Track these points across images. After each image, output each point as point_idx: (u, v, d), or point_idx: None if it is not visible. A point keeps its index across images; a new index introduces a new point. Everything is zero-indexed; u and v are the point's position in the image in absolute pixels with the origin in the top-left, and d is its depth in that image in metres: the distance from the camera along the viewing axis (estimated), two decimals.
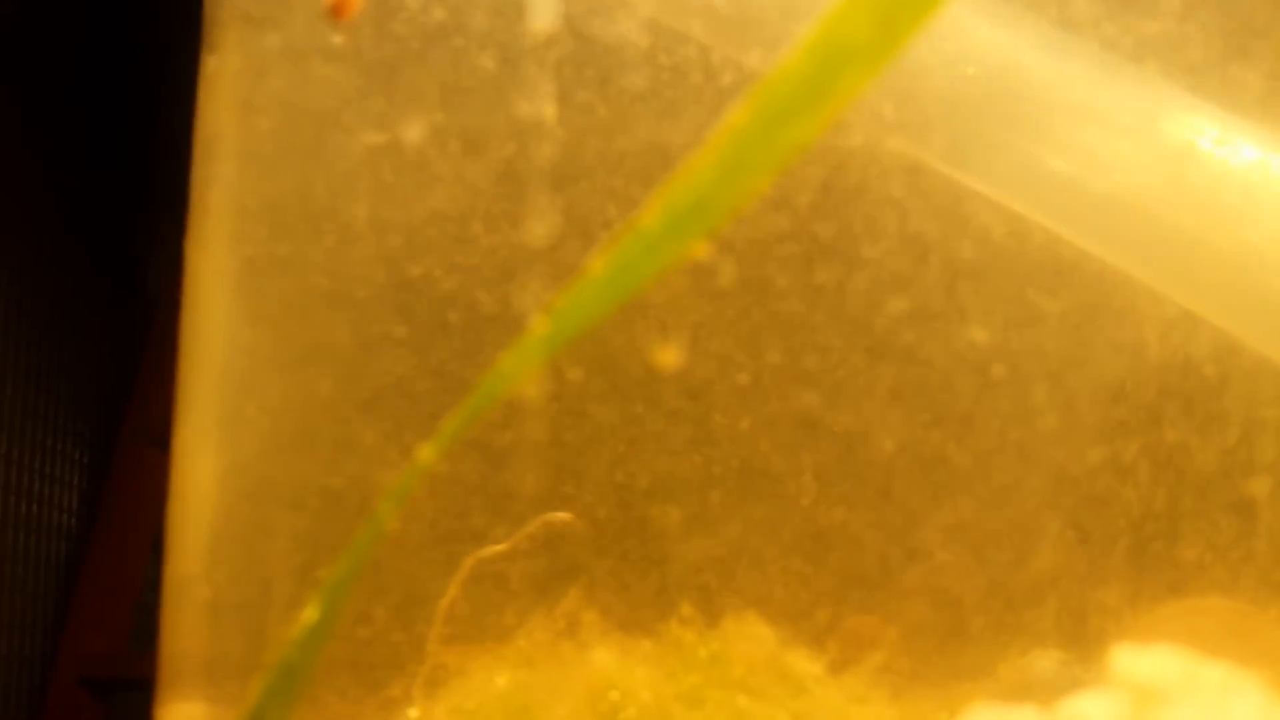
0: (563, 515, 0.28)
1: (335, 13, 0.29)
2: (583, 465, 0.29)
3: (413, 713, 0.29)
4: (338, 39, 0.30)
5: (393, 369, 0.30)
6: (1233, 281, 0.29)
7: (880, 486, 0.29)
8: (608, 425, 0.29)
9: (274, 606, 0.29)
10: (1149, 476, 0.29)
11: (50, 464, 1.50)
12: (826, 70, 0.22)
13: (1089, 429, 0.29)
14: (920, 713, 0.26)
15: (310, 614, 0.26)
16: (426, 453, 0.23)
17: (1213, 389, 0.30)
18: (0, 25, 1.46)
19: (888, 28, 0.22)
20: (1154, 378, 0.30)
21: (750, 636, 0.27)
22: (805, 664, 0.27)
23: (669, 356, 0.28)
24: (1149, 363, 0.30)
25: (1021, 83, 0.29)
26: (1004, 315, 0.29)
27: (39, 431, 1.49)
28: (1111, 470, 0.29)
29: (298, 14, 0.30)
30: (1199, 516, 0.29)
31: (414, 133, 0.29)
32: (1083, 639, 0.28)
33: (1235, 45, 0.30)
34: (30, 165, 1.51)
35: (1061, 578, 0.29)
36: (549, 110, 0.28)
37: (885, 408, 0.29)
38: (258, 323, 0.31)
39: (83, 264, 1.60)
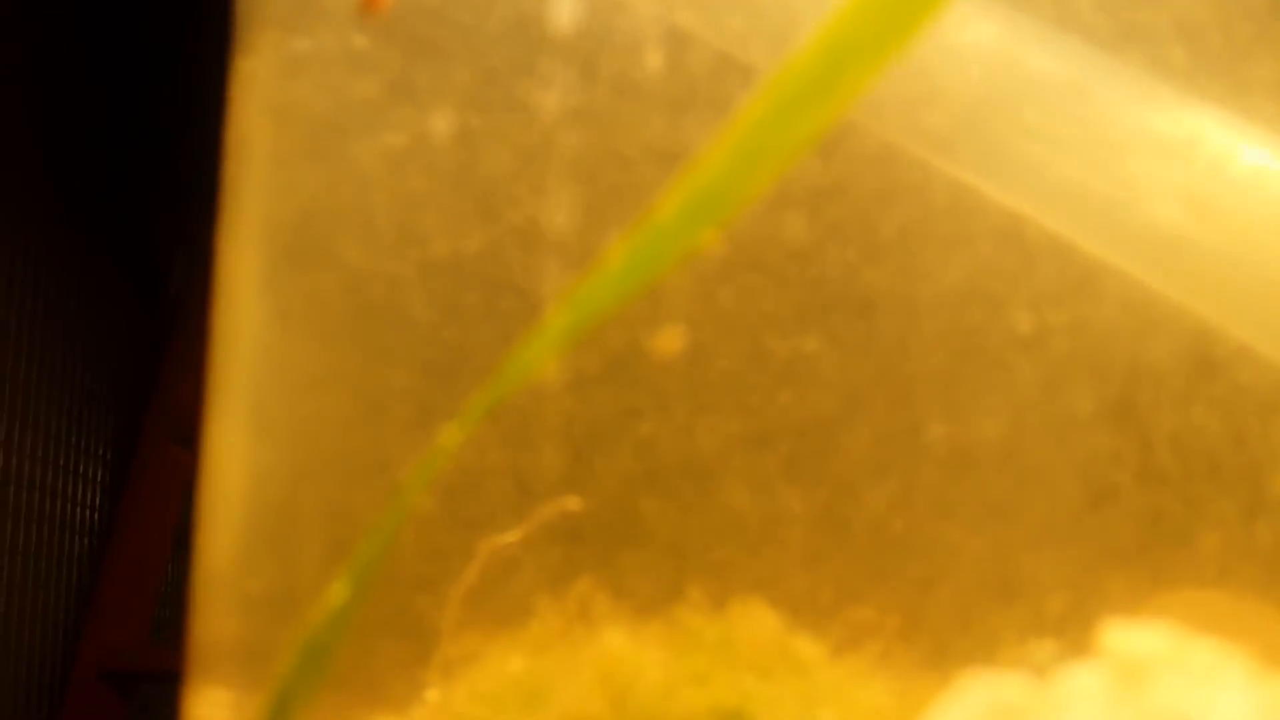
0: (575, 501, 0.28)
1: (366, 8, 0.30)
2: (598, 452, 0.29)
3: (431, 694, 0.29)
4: (365, 41, 0.30)
5: (420, 358, 0.31)
6: (1247, 285, 0.30)
7: (892, 474, 0.29)
8: (623, 411, 0.29)
9: (305, 592, 0.29)
10: (1166, 467, 0.29)
11: (74, 460, 1.51)
12: (836, 65, 0.23)
13: (1105, 419, 0.30)
14: (920, 692, 0.27)
15: (335, 594, 0.26)
16: (449, 434, 0.24)
17: (1234, 380, 0.30)
18: (25, 21, 1.47)
19: (896, 22, 0.23)
20: (1179, 368, 0.30)
21: (756, 620, 0.28)
22: (809, 647, 0.28)
23: (677, 341, 0.28)
24: (1173, 353, 0.30)
25: (1026, 81, 0.30)
26: (1025, 303, 0.30)
27: (63, 429, 1.50)
28: (1128, 460, 0.29)
29: (329, 19, 0.31)
30: (1213, 510, 0.29)
31: (438, 131, 0.30)
32: (1088, 628, 0.28)
33: (1257, 32, 0.30)
34: (54, 165, 1.52)
35: (1071, 567, 0.29)
36: (568, 107, 0.29)
37: (905, 396, 0.29)
38: (288, 315, 0.32)
39: (107, 264, 1.61)
